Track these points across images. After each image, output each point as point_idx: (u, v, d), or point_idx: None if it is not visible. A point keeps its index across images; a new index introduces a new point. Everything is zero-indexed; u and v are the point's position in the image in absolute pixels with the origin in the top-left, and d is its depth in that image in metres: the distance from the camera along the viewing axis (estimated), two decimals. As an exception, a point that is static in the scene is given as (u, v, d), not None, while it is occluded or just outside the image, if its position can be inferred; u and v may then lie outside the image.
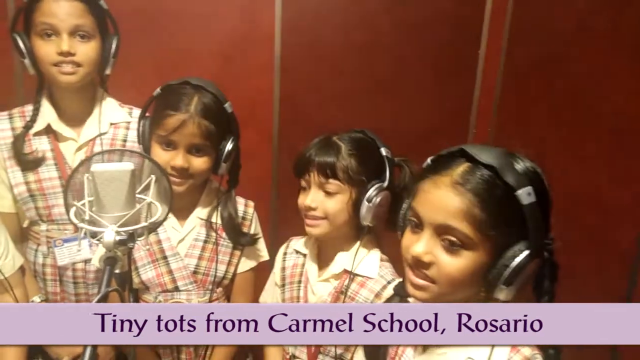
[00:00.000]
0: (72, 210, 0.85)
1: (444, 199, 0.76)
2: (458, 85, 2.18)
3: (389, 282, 1.14)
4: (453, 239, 0.76)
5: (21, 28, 1.23)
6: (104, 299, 0.68)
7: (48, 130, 1.30)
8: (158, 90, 1.19)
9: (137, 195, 0.87)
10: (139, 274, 1.26)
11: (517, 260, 0.74)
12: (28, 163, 1.27)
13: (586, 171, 1.76)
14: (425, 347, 0.89)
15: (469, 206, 0.74)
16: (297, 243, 1.29)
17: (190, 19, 1.88)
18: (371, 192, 1.11)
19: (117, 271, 0.84)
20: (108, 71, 1.31)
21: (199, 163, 1.19)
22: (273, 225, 2.02)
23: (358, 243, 1.17)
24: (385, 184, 1.12)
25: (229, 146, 1.20)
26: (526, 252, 0.74)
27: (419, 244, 0.79)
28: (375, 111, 1.99)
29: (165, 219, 0.95)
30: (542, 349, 0.78)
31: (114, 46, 1.28)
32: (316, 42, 2.02)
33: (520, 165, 0.76)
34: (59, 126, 1.29)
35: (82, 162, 0.88)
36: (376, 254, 1.19)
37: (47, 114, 1.29)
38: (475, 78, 2.18)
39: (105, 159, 0.88)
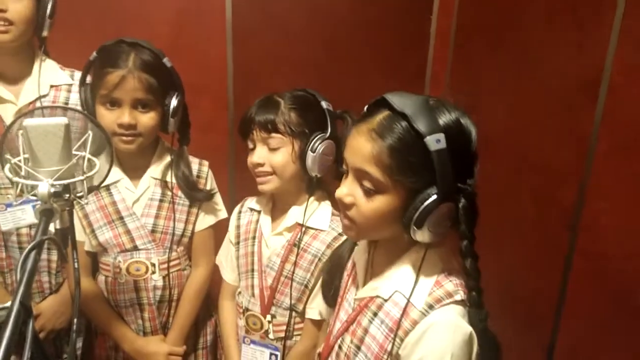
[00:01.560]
0: (7, 167, 0.83)
1: (360, 145, 0.81)
2: (412, 50, 2.21)
3: (340, 234, 1.18)
4: (367, 184, 0.81)
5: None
6: (38, 246, 0.68)
7: (-14, 92, 1.25)
8: (94, 54, 1.18)
9: (75, 152, 0.86)
10: (95, 236, 1.26)
11: (425, 203, 0.78)
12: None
13: (532, 132, 1.82)
14: (364, 283, 0.94)
15: (379, 152, 0.78)
16: (252, 202, 1.31)
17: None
18: (314, 142, 1.13)
19: (58, 227, 0.86)
20: (45, 33, 1.27)
21: (146, 119, 1.19)
22: (231, 194, 2.02)
23: (310, 197, 1.20)
24: (327, 134, 1.14)
25: (174, 102, 1.20)
26: (434, 197, 0.77)
27: (342, 187, 0.85)
28: (331, 78, 2.00)
29: (105, 177, 0.94)
30: (467, 285, 0.83)
31: (49, 6, 1.24)
32: (268, 7, 2.00)
33: (440, 114, 0.79)
34: (-3, 88, 1.25)
35: (17, 117, 0.86)
36: (327, 207, 1.23)
37: None
38: (428, 45, 2.21)
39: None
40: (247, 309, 1.26)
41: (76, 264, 0.88)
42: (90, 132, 0.89)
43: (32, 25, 1.24)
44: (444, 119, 0.79)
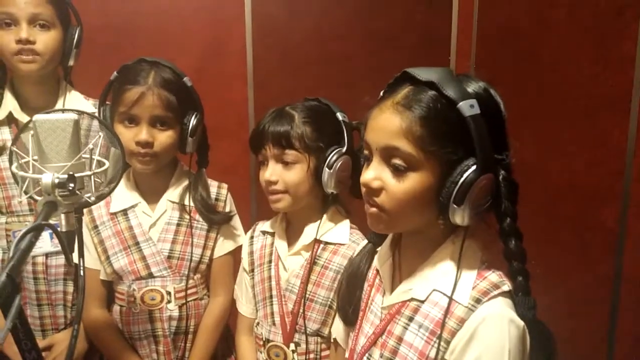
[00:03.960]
0: (14, 165, 0.82)
1: (386, 120, 0.75)
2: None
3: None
4: (397, 162, 0.74)
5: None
6: (35, 229, 0.64)
7: (10, 120, 1.28)
8: (115, 73, 1.19)
9: (84, 156, 0.84)
10: (110, 263, 1.22)
11: (465, 175, 0.71)
12: (-13, 152, 1.25)
13: (562, 158, 1.76)
14: (392, 289, 0.85)
15: (408, 123, 0.73)
16: (264, 225, 1.26)
17: (162, 34, 1.91)
18: (331, 157, 1.08)
19: (63, 229, 0.83)
20: (71, 62, 1.31)
21: (164, 137, 1.17)
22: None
23: (327, 212, 1.15)
24: (344, 148, 1.10)
25: (193, 121, 1.19)
26: (473, 167, 0.71)
27: (368, 171, 0.78)
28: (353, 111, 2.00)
29: (115, 185, 0.92)
30: (511, 276, 0.74)
31: (76, 37, 1.29)
32: (288, 52, 2.05)
33: (466, 82, 0.75)
34: (21, 115, 1.28)
35: (30, 120, 0.86)
36: (346, 222, 1.16)
37: (9, 104, 1.28)
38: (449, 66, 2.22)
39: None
40: (267, 340, 1.17)
41: (82, 272, 0.84)
42: (101, 133, 0.88)
43: (58, 56, 1.28)
44: (472, 86, 0.74)
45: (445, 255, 0.79)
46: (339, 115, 1.12)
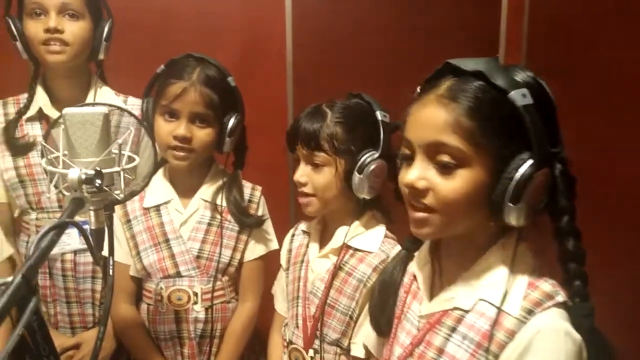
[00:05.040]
0: (44, 160, 0.80)
1: (429, 115, 0.70)
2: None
3: (389, 257, 1.04)
4: (445, 158, 0.69)
5: (15, 13, 1.23)
6: (58, 227, 0.61)
7: (40, 116, 1.27)
8: (162, 66, 1.17)
9: (113, 151, 0.81)
10: (140, 259, 1.20)
11: (521, 170, 0.65)
12: (19, 148, 1.24)
13: (621, 157, 1.66)
14: (431, 296, 0.79)
15: (455, 116, 0.68)
16: (304, 224, 1.22)
17: (201, 32, 1.88)
18: (362, 162, 1.02)
19: (93, 227, 0.80)
20: (101, 56, 1.29)
21: (202, 135, 1.15)
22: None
23: (357, 219, 1.09)
24: (378, 152, 1.03)
25: (232, 121, 1.17)
26: (530, 161, 0.65)
27: (411, 171, 0.72)
28: (397, 110, 1.94)
29: (147, 184, 0.89)
30: (568, 280, 0.68)
31: (106, 30, 1.27)
32: (328, 48, 2.00)
33: (514, 72, 0.69)
34: (51, 111, 1.27)
35: (61, 115, 0.83)
36: (381, 229, 1.11)
37: (40, 99, 1.27)
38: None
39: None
40: (290, 342, 1.14)
41: (111, 271, 0.81)
42: (132, 129, 0.84)
43: (87, 48, 1.26)
44: (520, 76, 0.68)
45: (493, 261, 0.73)
46: (379, 115, 1.05)
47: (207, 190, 1.23)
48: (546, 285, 0.69)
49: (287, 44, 1.97)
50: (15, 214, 1.29)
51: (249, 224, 1.24)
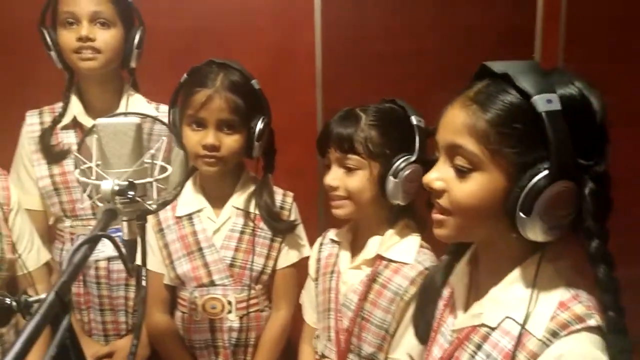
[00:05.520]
0: (77, 171, 0.79)
1: (452, 116, 0.68)
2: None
3: (426, 269, 1.01)
4: (460, 161, 0.67)
5: (50, 23, 1.24)
6: (91, 241, 0.60)
7: (75, 124, 1.29)
8: (185, 75, 1.16)
9: (146, 161, 0.80)
10: (174, 267, 1.20)
11: (534, 180, 0.61)
12: (54, 156, 1.25)
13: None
14: (464, 310, 0.76)
15: (474, 119, 0.65)
16: (333, 233, 1.19)
17: (232, 36, 1.88)
18: (396, 165, 0.99)
19: (125, 238, 0.79)
20: (133, 64, 1.29)
21: (230, 141, 1.14)
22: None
23: (392, 226, 1.06)
24: (414, 156, 1.00)
25: (260, 125, 1.15)
26: (545, 172, 0.61)
27: (431, 172, 0.71)
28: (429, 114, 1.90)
29: (178, 193, 0.88)
30: (602, 315, 0.63)
31: (137, 37, 1.27)
32: (358, 52, 1.97)
33: (553, 76, 0.65)
34: (85, 119, 1.28)
35: (94, 125, 0.83)
36: (415, 239, 1.07)
37: (74, 108, 1.28)
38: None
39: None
40: (323, 356, 1.11)
41: (144, 282, 0.80)
42: (164, 138, 0.83)
43: (119, 55, 1.26)
44: (561, 82, 0.64)
45: (523, 276, 0.69)
46: (414, 119, 1.03)
47: (238, 198, 1.22)
48: (579, 306, 0.64)
49: (316, 48, 1.95)
50: (50, 222, 1.31)
51: (280, 229, 1.22)
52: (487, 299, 0.71)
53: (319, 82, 1.97)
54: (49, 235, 1.32)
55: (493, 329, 0.69)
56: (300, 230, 1.28)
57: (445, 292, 0.83)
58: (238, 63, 1.16)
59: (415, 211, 1.07)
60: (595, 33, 1.91)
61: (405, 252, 1.04)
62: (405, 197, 1.00)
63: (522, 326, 0.65)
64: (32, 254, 1.16)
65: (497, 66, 0.67)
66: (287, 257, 1.25)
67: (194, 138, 1.13)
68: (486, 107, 0.65)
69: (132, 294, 1.32)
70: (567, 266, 0.68)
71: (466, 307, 0.76)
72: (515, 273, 0.69)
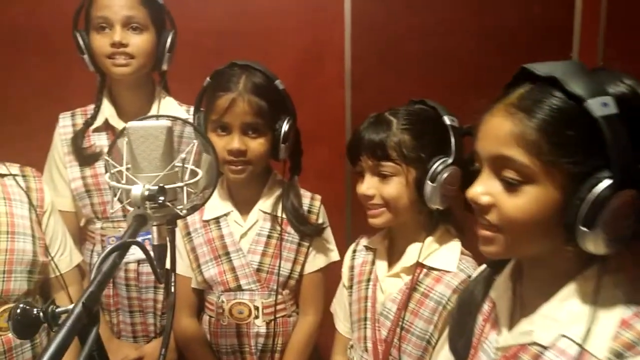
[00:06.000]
0: (107, 175, 0.79)
1: (495, 125, 0.64)
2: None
3: (469, 277, 0.97)
4: (509, 174, 0.63)
5: (83, 26, 1.25)
6: (121, 248, 0.58)
7: (107, 127, 1.29)
8: (207, 79, 1.15)
9: (176, 164, 0.79)
10: (201, 271, 1.19)
11: (596, 190, 0.57)
12: (86, 158, 1.26)
13: None
14: (510, 327, 0.72)
15: (521, 128, 0.61)
16: (367, 239, 1.16)
17: (262, 37, 1.87)
18: (434, 169, 0.95)
19: (155, 243, 0.78)
20: (164, 67, 1.29)
21: (256, 145, 1.12)
22: (349, 243, 1.88)
23: (430, 233, 1.02)
24: (451, 158, 0.96)
25: (285, 126, 1.13)
26: (607, 181, 0.57)
27: (475, 185, 0.67)
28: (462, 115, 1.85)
29: (207, 198, 0.86)
30: None
31: (169, 41, 1.27)
32: (387, 51, 1.94)
33: (603, 78, 0.60)
34: (117, 122, 1.28)
35: (124, 127, 0.82)
36: (456, 245, 1.03)
37: (106, 110, 1.29)
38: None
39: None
40: None
41: (173, 289, 0.79)
42: (195, 141, 0.82)
43: (151, 59, 1.27)
44: (610, 82, 0.60)
45: (578, 292, 0.64)
46: (447, 120, 0.99)
47: (265, 202, 1.20)
48: None
49: (346, 48, 1.92)
50: (81, 223, 1.32)
51: (307, 232, 1.20)
52: (538, 316, 0.67)
53: (348, 83, 1.95)
54: (80, 236, 1.33)
55: (546, 348, 0.65)
56: (328, 234, 1.26)
57: (486, 307, 0.78)
58: (260, 64, 1.14)
59: (453, 215, 1.03)
60: (637, 31, 1.83)
61: (446, 260, 1.00)
62: (444, 201, 0.97)
63: (581, 346, 0.60)
64: (65, 256, 1.16)
65: (541, 68, 0.62)
66: (315, 261, 1.23)
67: (219, 144, 1.11)
68: (533, 114, 0.61)
69: (161, 297, 1.32)
70: (626, 280, 0.63)
71: (511, 324, 0.72)
72: (570, 288, 0.65)
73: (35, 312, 0.46)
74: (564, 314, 0.64)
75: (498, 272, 0.78)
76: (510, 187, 0.63)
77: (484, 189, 0.66)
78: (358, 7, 1.90)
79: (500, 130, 0.63)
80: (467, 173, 0.86)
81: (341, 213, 1.98)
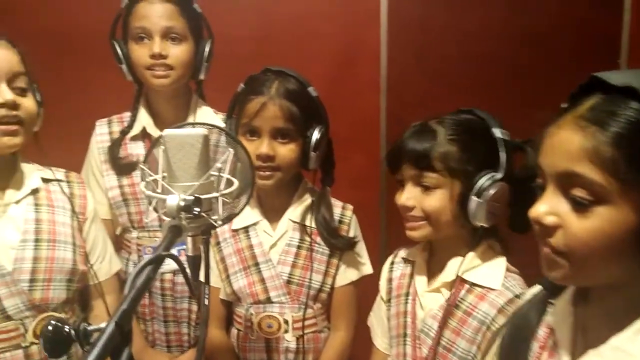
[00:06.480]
0: (143, 184, 0.77)
1: (563, 139, 0.59)
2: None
3: (517, 296, 0.91)
4: (579, 193, 0.57)
5: (120, 36, 1.26)
6: (155, 262, 0.56)
7: (143, 135, 1.29)
8: (241, 85, 1.14)
9: (212, 173, 0.77)
10: (230, 282, 1.16)
11: None
12: (122, 167, 1.26)
13: None
14: (573, 358, 0.66)
15: (594, 143, 0.56)
16: (406, 251, 1.11)
17: (298, 43, 1.86)
18: (480, 184, 0.90)
19: (189, 254, 0.76)
20: (202, 76, 1.29)
21: (285, 151, 1.10)
22: (382, 253, 1.83)
23: (473, 249, 0.97)
24: (500, 173, 0.91)
25: (316, 134, 1.10)
26: None
27: (539, 204, 0.61)
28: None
29: (243, 207, 0.84)
30: None
31: (207, 50, 1.26)
32: (424, 54, 1.89)
33: None
34: (154, 130, 1.28)
35: (160, 135, 0.81)
36: (501, 261, 0.97)
37: (143, 119, 1.29)
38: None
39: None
40: None
41: (206, 301, 0.77)
42: (230, 150, 0.80)
43: (190, 69, 1.26)
44: None
45: None
46: (497, 132, 0.94)
47: (295, 211, 1.17)
48: None
49: (381, 51, 1.88)
50: (117, 232, 1.32)
51: (339, 246, 1.16)
52: (608, 348, 0.61)
53: (384, 87, 1.91)
54: (116, 245, 1.33)
55: None
56: (361, 246, 1.21)
57: (541, 332, 0.72)
58: (294, 70, 1.12)
59: (499, 231, 0.97)
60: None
61: (491, 276, 0.95)
62: (489, 219, 0.91)
63: None
64: (105, 264, 1.16)
65: (615, 77, 0.57)
66: (346, 274, 1.19)
67: (249, 148, 1.07)
68: (607, 127, 0.56)
69: (195, 307, 1.30)
70: None
71: (573, 354, 0.66)
72: None
73: (66, 329, 0.44)
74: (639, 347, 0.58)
75: (555, 295, 0.73)
76: (580, 207, 0.58)
77: (549, 208, 0.61)
78: (394, 7, 1.86)
79: (570, 145, 0.58)
80: (524, 190, 0.81)
81: (375, 223, 1.93)
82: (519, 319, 0.76)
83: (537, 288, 0.77)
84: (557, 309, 0.71)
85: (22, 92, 0.99)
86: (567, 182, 0.59)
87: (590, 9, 1.85)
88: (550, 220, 0.60)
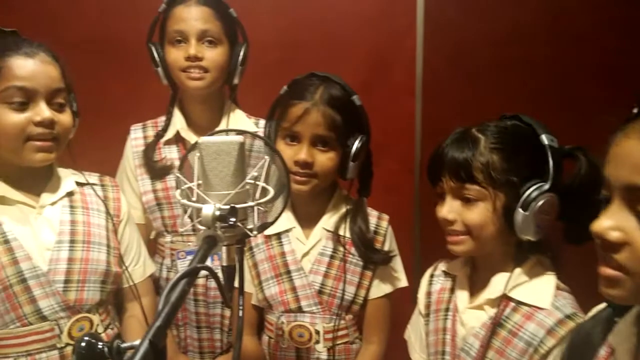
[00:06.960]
0: (178, 192, 0.76)
1: (630, 150, 0.55)
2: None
3: (567, 317, 0.86)
4: None
5: (157, 39, 1.27)
6: (190, 274, 0.54)
7: (177, 139, 1.29)
8: (285, 87, 1.12)
9: (248, 181, 0.75)
10: (262, 289, 1.15)
11: None
12: (157, 171, 1.26)
13: None
14: None
15: None
16: (446, 264, 1.07)
17: (330, 47, 1.83)
18: (527, 195, 0.85)
19: (224, 264, 0.75)
20: (236, 80, 1.28)
21: (324, 159, 1.07)
22: (416, 266, 1.78)
23: (523, 263, 0.92)
24: (548, 184, 0.86)
25: (357, 144, 1.07)
26: None
27: (603, 218, 0.57)
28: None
29: (278, 215, 0.82)
30: None
31: (241, 54, 1.26)
32: (460, 60, 1.83)
33: None
34: (188, 134, 1.28)
35: (196, 142, 0.80)
36: (550, 279, 0.92)
37: (177, 123, 1.29)
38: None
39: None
40: None
41: (241, 312, 0.75)
42: (267, 157, 0.78)
43: (224, 73, 1.26)
44: None
45: None
46: (545, 139, 0.88)
47: (329, 219, 1.14)
48: None
49: (417, 55, 1.84)
50: (151, 236, 1.32)
51: (374, 260, 1.12)
52: None
53: (419, 92, 1.86)
54: (150, 249, 1.33)
55: None
56: (396, 260, 1.18)
57: (602, 352, 0.68)
58: (339, 77, 1.10)
59: (548, 245, 0.92)
60: None
61: (539, 295, 0.89)
62: (537, 233, 0.86)
63: None
64: (139, 267, 1.16)
65: None
66: (381, 286, 1.15)
67: (287, 153, 1.07)
68: None
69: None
70: None
71: None
72: None
73: (100, 346, 0.42)
74: None
75: (621, 313, 0.68)
76: None
77: (614, 223, 0.57)
78: (431, 11, 1.81)
79: (636, 156, 0.54)
80: (579, 200, 0.76)
81: (409, 232, 1.87)
82: (581, 337, 0.73)
83: (602, 305, 0.72)
84: (619, 329, 0.67)
85: (60, 108, 0.99)
86: (635, 196, 0.55)
87: (630, 10, 1.76)
88: (615, 235, 0.56)
